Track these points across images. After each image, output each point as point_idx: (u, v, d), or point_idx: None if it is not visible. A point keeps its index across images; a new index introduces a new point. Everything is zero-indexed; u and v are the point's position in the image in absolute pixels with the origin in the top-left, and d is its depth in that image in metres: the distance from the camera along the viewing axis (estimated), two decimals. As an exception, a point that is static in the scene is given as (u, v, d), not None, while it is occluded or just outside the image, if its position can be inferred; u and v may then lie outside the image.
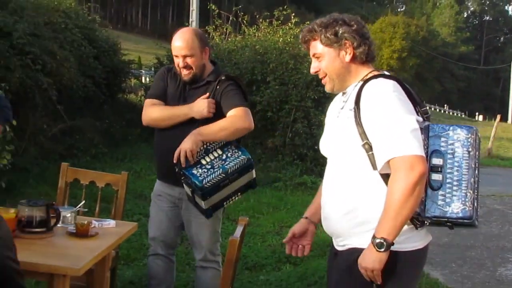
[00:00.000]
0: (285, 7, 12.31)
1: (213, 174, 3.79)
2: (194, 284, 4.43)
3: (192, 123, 3.96)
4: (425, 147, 2.43)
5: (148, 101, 4.17)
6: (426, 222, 2.45)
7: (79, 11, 12.39)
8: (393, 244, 2.39)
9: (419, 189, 2.33)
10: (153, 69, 16.12)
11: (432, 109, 63.72)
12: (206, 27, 14.01)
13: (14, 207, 3.47)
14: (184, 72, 4.01)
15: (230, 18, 12.81)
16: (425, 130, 2.46)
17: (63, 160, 4.92)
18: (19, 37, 8.15)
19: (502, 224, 9.44)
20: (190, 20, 18.23)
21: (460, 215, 2.39)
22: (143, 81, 16.52)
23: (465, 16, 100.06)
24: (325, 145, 2.74)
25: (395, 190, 2.35)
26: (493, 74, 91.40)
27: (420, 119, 2.52)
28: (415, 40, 71.21)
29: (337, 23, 2.60)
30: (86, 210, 4.01)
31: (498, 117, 24.33)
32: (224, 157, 3.88)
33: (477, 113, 66.75)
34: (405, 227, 2.47)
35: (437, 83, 77.38)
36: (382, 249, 2.38)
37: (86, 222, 3.53)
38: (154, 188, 4.33)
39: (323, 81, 2.71)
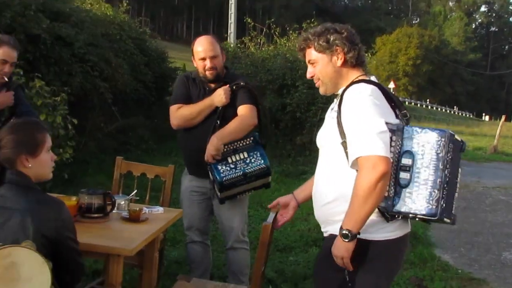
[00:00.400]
0: (312, 19, 12.22)
1: (234, 174, 3.87)
2: (227, 264, 4.43)
3: (211, 124, 4.00)
4: (398, 147, 2.40)
5: (174, 107, 4.16)
6: (396, 216, 2.43)
7: (132, 24, 12.46)
8: (358, 234, 2.39)
9: (380, 186, 2.29)
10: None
11: (443, 110, 63.11)
12: (243, 38, 13.99)
13: (75, 195, 3.50)
14: (210, 72, 4.03)
15: (264, 30, 12.80)
16: (399, 132, 2.40)
17: (117, 154, 4.94)
18: (80, 47, 8.22)
19: (506, 213, 9.29)
20: (229, 31, 18.23)
21: (424, 212, 2.35)
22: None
23: (473, 27, 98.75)
24: (318, 140, 2.73)
25: (359, 186, 2.34)
26: (499, 79, 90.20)
27: (397, 121, 2.48)
28: (428, 49, 70.58)
29: (329, 31, 2.58)
30: (138, 198, 4.04)
31: (503, 117, 23.96)
32: (247, 160, 3.92)
33: (484, 114, 65.89)
34: (377, 218, 2.47)
35: (448, 86, 76.57)
36: (347, 240, 2.38)
37: (138, 209, 3.55)
38: (185, 184, 4.32)
39: (316, 85, 2.70)
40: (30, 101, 5.74)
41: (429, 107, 61.58)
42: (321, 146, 2.69)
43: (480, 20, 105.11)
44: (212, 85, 4.12)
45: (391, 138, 2.38)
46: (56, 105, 6.15)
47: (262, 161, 3.91)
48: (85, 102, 8.65)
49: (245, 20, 14.00)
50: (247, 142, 3.95)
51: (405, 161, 2.38)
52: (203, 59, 4.01)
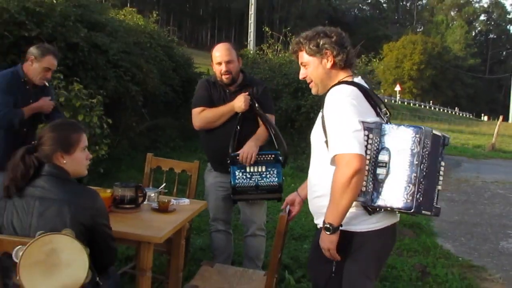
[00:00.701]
0: (325, 28, 12.16)
1: (247, 183, 3.91)
2: (244, 249, 4.44)
3: (232, 126, 4.02)
4: (376, 144, 2.36)
5: (197, 109, 4.19)
6: (377, 209, 2.40)
7: (161, 33, 12.51)
8: (340, 227, 2.37)
9: (354, 181, 2.27)
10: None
11: (445, 111, 62.59)
12: (262, 45, 13.97)
13: (110, 188, 3.52)
14: (225, 76, 4.05)
15: (280, 38, 12.75)
16: (377, 130, 2.37)
17: (148, 151, 4.97)
18: (114, 54, 8.27)
19: (504, 206, 9.24)
20: (249, 39, 18.23)
21: (400, 206, 2.31)
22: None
23: (473, 34, 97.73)
24: (310, 138, 2.70)
25: (335, 182, 2.33)
26: (497, 82, 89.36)
27: (377, 119, 2.44)
28: (431, 55, 70.08)
29: (319, 35, 2.54)
30: (166, 191, 4.05)
31: (501, 117, 23.85)
32: (263, 174, 3.94)
33: (482, 114, 65.24)
34: (360, 212, 2.44)
35: (449, 89, 75.94)
36: (329, 232, 2.37)
37: (166, 200, 3.57)
38: (209, 181, 4.34)
39: (310, 85, 2.66)
40: (69, 103, 5.80)
41: (432, 108, 61.12)
42: (312, 144, 2.67)
43: (479, 28, 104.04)
44: (232, 88, 4.13)
45: (368, 136, 2.35)
46: (92, 106, 6.19)
47: (276, 178, 3.92)
48: (118, 104, 8.69)
49: (263, 29, 13.99)
50: (269, 158, 3.96)
51: (382, 157, 2.35)
52: (219, 63, 4.03)
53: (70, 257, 2.24)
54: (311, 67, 2.59)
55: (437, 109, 61.72)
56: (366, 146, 2.35)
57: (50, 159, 2.53)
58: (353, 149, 2.28)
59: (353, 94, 2.42)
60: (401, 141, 2.32)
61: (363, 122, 2.34)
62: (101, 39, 8.05)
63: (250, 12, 18.72)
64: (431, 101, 65.13)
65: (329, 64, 2.54)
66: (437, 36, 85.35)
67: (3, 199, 2.50)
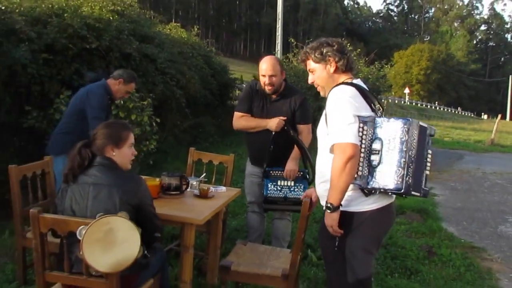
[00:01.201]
0: (342, 38, 12.05)
1: (277, 195, 4.02)
2: (272, 230, 4.47)
3: (268, 132, 4.05)
4: (370, 135, 2.39)
5: (237, 114, 4.23)
6: (373, 191, 2.42)
7: (201, 44, 12.53)
8: (339, 206, 2.42)
9: (349, 166, 2.32)
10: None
11: (449, 110, 61.52)
12: (287, 54, 13.91)
13: (158, 177, 3.56)
14: (268, 87, 4.03)
15: (304, 47, 12.68)
16: (371, 123, 2.40)
17: (190, 146, 5.00)
18: (161, 62, 8.33)
19: (502, 194, 9.06)
20: (276, 49, 18.18)
21: (391, 187, 2.35)
22: (244, 92, 16.64)
23: (474, 42, 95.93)
24: (317, 132, 2.71)
25: (333, 167, 2.38)
26: (496, 85, 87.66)
27: (372, 113, 2.46)
28: (437, 61, 68.99)
29: (323, 45, 2.60)
30: (206, 180, 4.07)
31: (499, 116, 23.48)
32: (292, 188, 4.02)
33: (483, 113, 64.01)
34: (358, 194, 2.47)
35: (453, 91, 74.66)
36: (330, 211, 2.43)
37: (206, 188, 3.59)
38: (248, 170, 4.41)
39: (318, 89, 2.70)
40: (124, 104, 5.87)
41: (437, 108, 60.12)
42: (318, 137, 2.69)
43: (480, 37, 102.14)
44: (274, 96, 4.12)
45: (363, 128, 2.39)
46: (143, 107, 6.25)
47: (303, 192, 3.91)
48: (165, 106, 8.77)
49: (289, 40, 13.89)
50: (298, 175, 4.01)
51: (375, 146, 2.38)
52: (264, 76, 4.02)
53: (125, 235, 2.27)
54: (317, 72, 2.64)
55: (442, 109, 60.68)
56: (361, 137, 2.39)
57: (102, 151, 2.60)
58: (348, 139, 2.35)
59: (350, 93, 2.46)
60: (391, 132, 2.36)
61: (358, 116, 2.39)
62: (150, 50, 8.12)
63: (277, 26, 18.67)
64: (436, 102, 64.08)
65: (332, 69, 2.59)
66: (442, 44, 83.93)
67: (63, 189, 2.56)
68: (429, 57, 68.03)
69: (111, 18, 7.16)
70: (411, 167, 2.34)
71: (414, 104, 58.19)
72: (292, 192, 4.01)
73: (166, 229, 4.72)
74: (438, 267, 4.80)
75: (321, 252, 2.77)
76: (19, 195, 3.42)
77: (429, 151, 2.47)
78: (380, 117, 2.45)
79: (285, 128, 4.03)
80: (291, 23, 77.89)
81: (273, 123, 4.01)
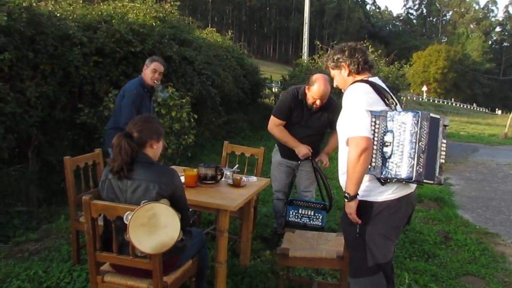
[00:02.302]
0: (364, 41, 11.88)
1: (296, 221, 3.96)
2: None
3: (301, 133, 4.06)
4: (383, 128, 2.35)
5: (274, 120, 4.11)
6: (388, 180, 2.38)
7: (234, 47, 12.54)
8: (356, 195, 2.40)
9: (363, 158, 2.30)
10: (279, 83, 16.11)
11: (465, 106, 60.12)
12: (313, 55, 13.80)
13: (196, 168, 3.58)
14: (315, 106, 3.97)
15: (329, 50, 12.55)
16: (383, 117, 2.35)
17: (224, 140, 5.01)
18: (198, 64, 8.37)
19: (515, 184, 8.78)
20: (303, 51, 18.07)
21: (403, 176, 2.29)
22: (273, 90, 16.54)
23: (489, 43, 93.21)
24: (337, 128, 2.64)
25: (348, 159, 2.36)
26: (509, 83, 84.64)
27: (385, 108, 2.41)
28: (453, 61, 67.25)
29: (335, 52, 2.62)
30: (239, 170, 4.07)
31: (513, 111, 22.75)
32: (311, 217, 3.96)
33: (497, 109, 62.28)
34: (375, 184, 2.43)
35: (468, 89, 72.72)
36: (348, 200, 2.41)
37: (239, 178, 3.59)
38: (276, 159, 4.39)
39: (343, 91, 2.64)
40: (165, 102, 5.92)
41: (454, 104, 58.81)
42: (338, 131, 2.63)
43: (495, 38, 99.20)
44: (313, 108, 4.03)
45: (375, 122, 2.35)
46: (182, 105, 6.30)
47: (321, 223, 3.91)
48: (202, 103, 8.82)
49: (315, 43, 13.79)
50: (318, 206, 3.95)
51: (387, 138, 2.34)
52: (315, 98, 3.91)
53: (167, 220, 2.29)
54: (336, 77, 2.67)
55: (458, 105, 59.35)
56: (373, 130, 2.36)
57: (144, 144, 2.57)
58: (361, 133, 2.32)
59: (363, 89, 2.43)
60: (402, 124, 2.31)
61: (370, 111, 2.36)
62: (189, 53, 8.17)
63: (304, 30, 18.53)
64: (452, 99, 62.68)
65: (346, 73, 2.60)
66: (459, 45, 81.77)
67: (102, 181, 2.57)
68: (446, 57, 66.40)
69: (154, 24, 7.22)
70: (422, 157, 2.28)
71: (431, 101, 57.07)
72: (311, 221, 3.95)
73: (203, 215, 4.76)
74: (454, 251, 4.70)
75: (344, 238, 2.68)
76: (73, 183, 3.49)
77: (444, 141, 2.41)
78: (392, 111, 2.40)
79: (310, 158, 4.08)
80: (317, 27, 77.13)
81: (301, 152, 4.03)
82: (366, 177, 2.42)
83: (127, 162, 2.47)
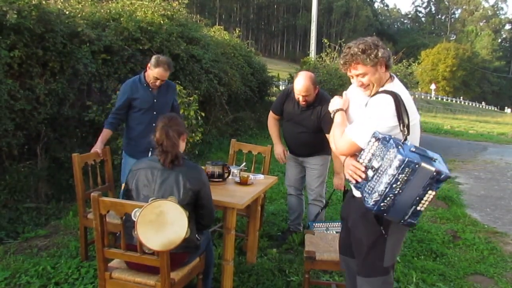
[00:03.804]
0: (372, 39, 11.80)
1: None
2: (307, 213, 4.47)
3: (297, 130, 4.14)
4: (378, 151, 2.20)
5: (271, 114, 4.40)
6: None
7: (242, 45, 12.52)
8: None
9: (339, 155, 2.40)
10: (286, 81, 16.08)
11: (473, 105, 59.78)
12: (321, 53, 13.75)
13: (203, 165, 3.58)
14: (302, 103, 4.03)
15: (336, 48, 12.48)
16: (384, 142, 2.18)
17: (232, 137, 5.02)
18: (206, 62, 8.37)
19: (524, 184, 8.71)
20: (311, 49, 17.97)
21: (367, 205, 2.20)
22: (280, 88, 16.56)
23: (499, 41, 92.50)
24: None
25: (333, 142, 2.45)
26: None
27: (394, 131, 2.25)
28: (462, 59, 66.82)
29: (375, 48, 2.29)
30: (246, 168, 4.07)
31: (522, 110, 22.53)
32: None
33: (506, 107, 61.84)
34: None
35: (477, 87, 72.25)
36: (335, 112, 2.51)
37: (246, 176, 3.59)
38: (288, 154, 4.41)
39: (365, 90, 2.39)
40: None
41: (462, 102, 58.45)
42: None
43: (504, 36, 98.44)
44: (304, 106, 4.07)
45: (374, 142, 2.21)
46: (190, 103, 6.30)
47: None
48: (209, 101, 8.82)
49: (322, 41, 13.75)
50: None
51: (374, 163, 2.20)
52: (298, 94, 3.98)
53: (174, 218, 2.29)
54: (370, 75, 2.32)
55: (466, 103, 59.00)
56: (368, 147, 2.24)
57: (178, 138, 2.65)
58: (357, 139, 2.28)
59: (390, 112, 2.24)
60: (390, 162, 2.15)
61: (378, 132, 2.22)
62: (197, 50, 8.18)
63: (312, 28, 18.46)
64: (461, 97, 62.33)
65: (383, 69, 2.34)
66: (468, 43, 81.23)
67: (133, 170, 2.66)
68: (455, 55, 65.98)
69: (162, 22, 7.24)
70: (391, 197, 2.15)
71: (440, 99, 56.75)
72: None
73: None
74: (462, 250, 4.67)
75: (359, 239, 2.49)
76: (82, 180, 3.51)
77: (431, 192, 2.17)
78: (394, 142, 2.19)
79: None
80: (324, 25, 76.98)
81: (275, 150, 4.35)
82: None
83: (179, 152, 2.61)
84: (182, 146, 2.70)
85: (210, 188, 2.70)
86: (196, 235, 2.66)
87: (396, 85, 2.37)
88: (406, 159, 2.11)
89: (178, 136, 2.63)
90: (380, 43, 2.35)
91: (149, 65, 3.87)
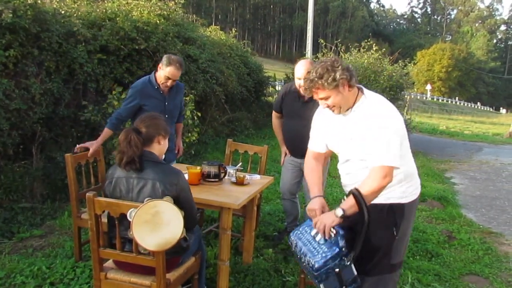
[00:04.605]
0: (368, 39, 11.81)
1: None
2: (305, 215, 4.43)
3: (299, 125, 4.02)
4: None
5: (274, 113, 4.37)
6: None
7: (238, 45, 12.51)
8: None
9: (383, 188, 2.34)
10: (283, 81, 16.07)
11: (469, 105, 59.97)
12: (317, 54, 13.78)
13: (199, 165, 3.58)
14: (302, 90, 3.98)
15: (332, 48, 12.49)
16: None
17: (228, 137, 5.02)
18: (202, 62, 8.36)
19: (519, 184, 8.75)
20: (307, 49, 18.02)
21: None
22: (277, 89, 16.54)
23: (494, 42, 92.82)
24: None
25: (370, 186, 2.29)
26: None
27: None
28: (457, 59, 67.02)
29: (332, 70, 2.27)
30: (242, 168, 4.07)
31: (517, 111, 22.62)
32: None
33: (501, 108, 62.07)
34: (410, 189, 2.46)
35: (473, 88, 72.44)
36: (340, 217, 2.29)
37: (242, 176, 3.59)
38: (287, 157, 4.38)
39: (332, 110, 2.39)
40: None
41: (458, 103, 58.62)
42: (355, 145, 2.52)
43: (500, 37, 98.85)
44: (305, 98, 4.09)
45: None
46: (186, 103, 6.30)
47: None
48: (205, 101, 8.82)
49: (319, 41, 13.77)
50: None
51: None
52: (299, 78, 3.97)
53: (170, 217, 2.29)
54: (333, 98, 2.32)
55: (462, 104, 59.18)
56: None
57: (152, 140, 2.57)
58: (393, 162, 2.28)
59: (394, 108, 2.40)
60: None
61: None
62: (193, 50, 8.16)
63: (308, 28, 18.48)
64: (457, 97, 62.52)
65: (346, 89, 2.32)
66: (463, 44, 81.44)
67: (108, 177, 2.58)
68: (450, 55, 66.16)
69: (158, 21, 7.22)
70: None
71: (435, 99, 56.91)
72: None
73: (206, 212, 4.76)
74: (458, 250, 4.69)
75: (373, 241, 2.41)
76: (75, 180, 3.50)
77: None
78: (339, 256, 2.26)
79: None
80: (321, 25, 77.00)
81: (282, 155, 4.34)
82: (403, 182, 2.42)
83: (137, 155, 2.46)
84: (155, 148, 2.59)
85: (190, 191, 2.63)
86: (185, 235, 2.63)
87: (369, 94, 2.41)
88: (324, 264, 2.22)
89: (149, 138, 2.54)
90: (339, 64, 2.30)
91: (160, 65, 3.74)
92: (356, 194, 2.22)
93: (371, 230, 2.32)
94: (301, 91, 4.02)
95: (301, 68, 3.96)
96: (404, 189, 2.44)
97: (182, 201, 2.53)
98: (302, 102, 4.08)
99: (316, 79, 2.29)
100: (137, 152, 2.46)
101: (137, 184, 2.48)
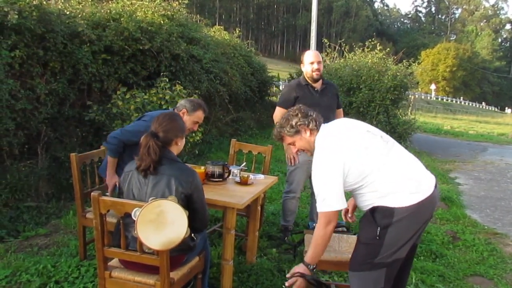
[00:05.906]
0: (372, 39, 11.79)
1: None
2: (311, 211, 4.49)
3: (328, 108, 4.18)
4: None
5: (279, 109, 4.28)
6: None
7: (242, 45, 12.52)
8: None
9: None
10: (287, 81, 16.09)
11: (474, 105, 59.74)
12: (321, 53, 13.79)
13: (203, 165, 3.59)
14: (316, 72, 4.18)
15: (336, 48, 12.47)
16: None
17: (232, 137, 5.03)
18: (206, 62, 8.38)
19: (524, 184, 8.71)
20: (311, 49, 18.05)
21: None
22: (280, 88, 16.57)
23: (499, 41, 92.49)
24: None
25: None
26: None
27: None
28: (462, 59, 66.78)
29: (287, 119, 2.57)
30: (246, 168, 4.08)
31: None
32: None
33: (506, 108, 61.79)
34: (403, 194, 2.36)
35: (478, 87, 72.21)
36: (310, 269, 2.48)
37: (246, 176, 3.60)
38: (302, 158, 4.33)
39: (299, 151, 2.68)
40: (173, 100, 5.93)
41: (462, 103, 58.41)
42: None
43: (505, 36, 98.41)
44: (317, 87, 4.17)
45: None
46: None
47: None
48: (209, 101, 8.83)
49: (323, 41, 13.76)
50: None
51: None
52: (312, 62, 4.14)
53: (174, 217, 2.30)
54: (298, 143, 2.59)
55: (466, 104, 58.97)
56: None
57: (170, 142, 2.62)
58: (333, 206, 2.39)
59: (322, 154, 2.48)
60: None
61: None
62: (197, 50, 8.18)
63: (311, 28, 18.46)
64: (461, 97, 62.28)
65: (308, 134, 2.56)
66: (468, 43, 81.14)
67: (125, 173, 2.61)
68: (455, 55, 65.92)
69: (162, 22, 7.24)
70: None
71: (440, 99, 56.74)
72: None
73: (210, 212, 4.76)
74: (462, 251, 4.68)
75: (360, 234, 2.52)
76: (80, 180, 3.52)
77: None
78: None
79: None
80: (324, 25, 77.00)
81: (289, 150, 4.21)
82: (397, 188, 2.36)
83: (155, 161, 2.51)
84: (174, 148, 2.65)
85: (203, 192, 2.65)
86: (192, 235, 2.66)
87: (320, 134, 2.53)
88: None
89: (167, 142, 2.59)
90: (297, 113, 2.56)
91: (183, 111, 3.49)
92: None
93: (361, 223, 2.50)
94: (315, 74, 4.20)
95: (310, 53, 4.21)
96: (396, 196, 2.37)
97: (195, 201, 2.56)
98: (319, 92, 4.25)
99: (279, 129, 2.61)
100: (155, 159, 2.50)
101: (153, 179, 2.52)
